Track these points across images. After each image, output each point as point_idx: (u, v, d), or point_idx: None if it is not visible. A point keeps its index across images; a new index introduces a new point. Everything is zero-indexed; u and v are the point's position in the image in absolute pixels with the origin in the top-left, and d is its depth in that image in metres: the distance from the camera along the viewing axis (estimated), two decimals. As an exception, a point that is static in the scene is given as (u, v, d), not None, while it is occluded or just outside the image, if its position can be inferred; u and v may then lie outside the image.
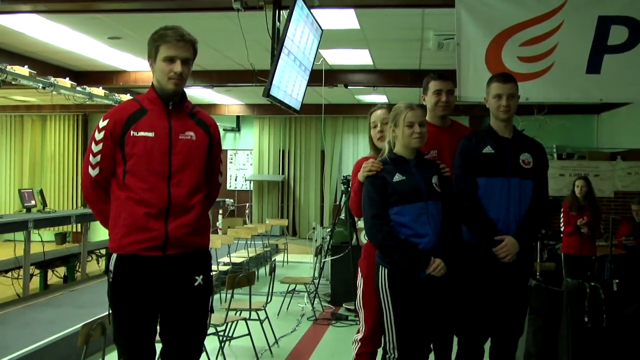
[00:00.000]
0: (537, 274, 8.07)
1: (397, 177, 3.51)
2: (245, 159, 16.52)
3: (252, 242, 11.03)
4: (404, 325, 3.50)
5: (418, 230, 3.48)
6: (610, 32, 4.89)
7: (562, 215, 7.94)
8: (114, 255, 3.10)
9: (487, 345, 3.96)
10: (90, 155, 3.11)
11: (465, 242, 3.81)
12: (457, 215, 3.73)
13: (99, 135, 3.09)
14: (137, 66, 10.37)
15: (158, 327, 3.22)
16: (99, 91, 10.06)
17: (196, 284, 3.17)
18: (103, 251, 10.72)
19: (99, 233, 12.48)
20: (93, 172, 3.12)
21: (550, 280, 5.80)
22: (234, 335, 6.09)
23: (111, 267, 3.10)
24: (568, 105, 11.53)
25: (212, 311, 3.35)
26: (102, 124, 3.10)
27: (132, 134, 3.07)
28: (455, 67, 5.16)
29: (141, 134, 3.07)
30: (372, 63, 10.09)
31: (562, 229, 7.97)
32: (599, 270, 7.79)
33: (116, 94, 10.53)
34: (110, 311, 3.16)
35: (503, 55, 5.02)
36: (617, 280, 4.85)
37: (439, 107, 4.08)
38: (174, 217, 3.07)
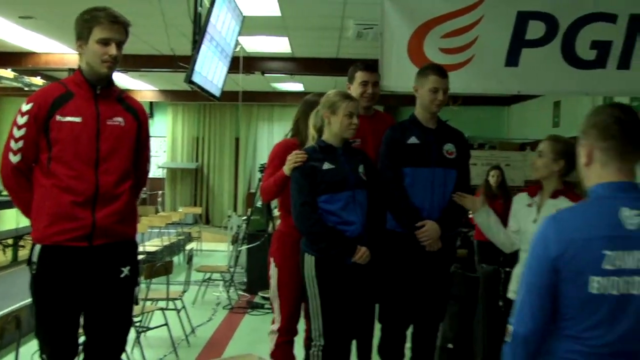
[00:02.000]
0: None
1: (326, 166, 3.51)
2: (159, 146, 16.19)
3: (166, 230, 10.89)
4: (331, 312, 3.51)
5: (345, 218, 3.49)
6: (528, 27, 5.02)
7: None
8: (37, 246, 2.97)
9: (409, 332, 4.03)
10: (12, 141, 2.95)
11: (389, 230, 3.84)
12: (383, 203, 3.76)
13: (21, 120, 2.94)
14: (48, 48, 9.88)
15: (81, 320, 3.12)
16: (7, 73, 9.65)
17: (122, 275, 3.08)
18: (10, 241, 10.28)
19: (5, 222, 11.97)
20: (14, 159, 2.96)
21: (463, 266, 5.94)
22: (150, 326, 5.98)
23: (34, 259, 2.96)
24: (480, 96, 11.82)
25: (136, 303, 3.28)
26: (26, 107, 2.95)
27: (57, 119, 2.93)
28: (374, 56, 5.20)
29: (68, 119, 2.93)
30: (290, 51, 10.05)
31: (469, 216, 8.12)
32: (511, 256, 8.02)
33: (25, 77, 10.11)
34: (33, 304, 3.03)
35: (425, 46, 5.07)
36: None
37: (364, 99, 4.06)
38: (101, 205, 2.96)
